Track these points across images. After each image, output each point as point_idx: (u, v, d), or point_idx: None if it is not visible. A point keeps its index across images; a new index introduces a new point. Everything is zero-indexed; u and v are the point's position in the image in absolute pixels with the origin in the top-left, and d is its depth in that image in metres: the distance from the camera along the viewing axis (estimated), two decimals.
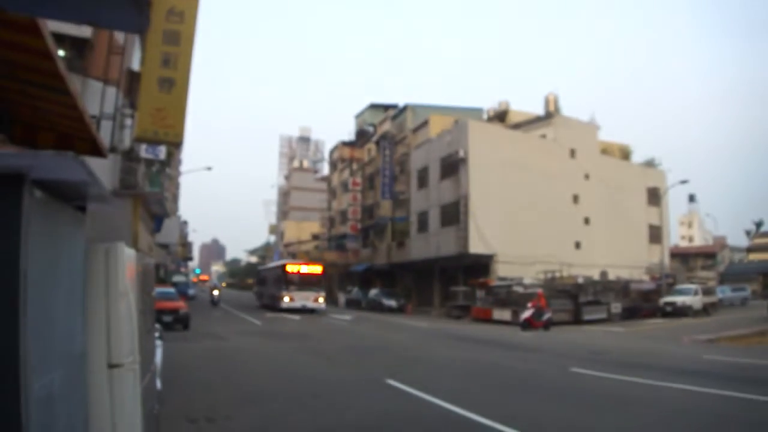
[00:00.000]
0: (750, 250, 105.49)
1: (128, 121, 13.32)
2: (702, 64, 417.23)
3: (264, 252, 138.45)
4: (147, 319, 6.29)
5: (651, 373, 14.31)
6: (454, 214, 43.91)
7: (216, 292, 53.11)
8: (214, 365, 15.11)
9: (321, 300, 42.95)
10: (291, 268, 43.74)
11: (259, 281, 60.11)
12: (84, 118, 5.24)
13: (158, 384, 7.46)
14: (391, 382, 12.07)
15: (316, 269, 45.22)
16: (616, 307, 37.18)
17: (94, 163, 3.47)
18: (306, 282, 42.97)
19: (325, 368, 15.18)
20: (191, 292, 59.54)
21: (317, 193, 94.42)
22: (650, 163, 61.05)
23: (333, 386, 12.02)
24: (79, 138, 5.57)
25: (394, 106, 62.85)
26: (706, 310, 39.87)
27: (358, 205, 62.98)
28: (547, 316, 29.62)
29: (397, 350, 19.86)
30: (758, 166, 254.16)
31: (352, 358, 17.51)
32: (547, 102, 54.72)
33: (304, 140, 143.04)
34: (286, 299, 41.40)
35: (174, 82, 13.52)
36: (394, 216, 54.23)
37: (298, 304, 41.26)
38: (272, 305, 44.43)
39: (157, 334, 8.28)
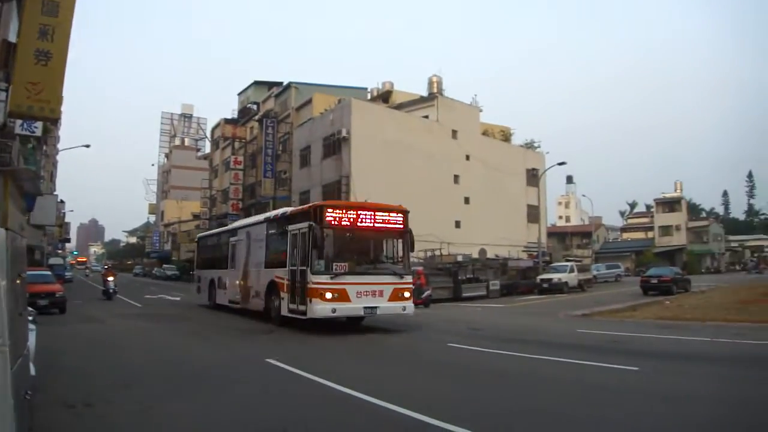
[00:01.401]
0: (624, 229, 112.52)
1: (2, 95, 12.76)
2: (584, 53, 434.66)
3: (144, 232, 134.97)
4: (18, 302, 6.13)
5: (527, 346, 15.04)
6: (336, 194, 44.13)
7: (111, 279, 35.95)
8: (92, 349, 14.67)
9: (407, 295, 18.29)
10: (335, 214, 17.51)
11: (212, 259, 29.76)
12: None
13: (32, 369, 7.26)
14: (271, 361, 12.13)
15: (397, 216, 18.71)
16: (495, 284, 38.56)
17: None
18: (376, 252, 19.41)
19: (204, 349, 15.05)
20: (68, 274, 57.55)
21: (198, 171, 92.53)
22: (530, 145, 63.27)
23: (212, 367, 11.95)
24: None
25: (278, 84, 62.30)
26: (581, 286, 41.97)
27: (240, 184, 62.22)
28: (426, 293, 30.39)
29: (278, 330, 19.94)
30: (632, 149, 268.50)
31: (230, 339, 17.36)
32: (430, 84, 55.54)
33: (186, 117, 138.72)
34: (328, 296, 16.62)
35: (51, 55, 13.06)
36: (275, 195, 53.85)
37: (357, 305, 17.19)
38: (265, 312, 20.52)
39: (30, 318, 8.04)
